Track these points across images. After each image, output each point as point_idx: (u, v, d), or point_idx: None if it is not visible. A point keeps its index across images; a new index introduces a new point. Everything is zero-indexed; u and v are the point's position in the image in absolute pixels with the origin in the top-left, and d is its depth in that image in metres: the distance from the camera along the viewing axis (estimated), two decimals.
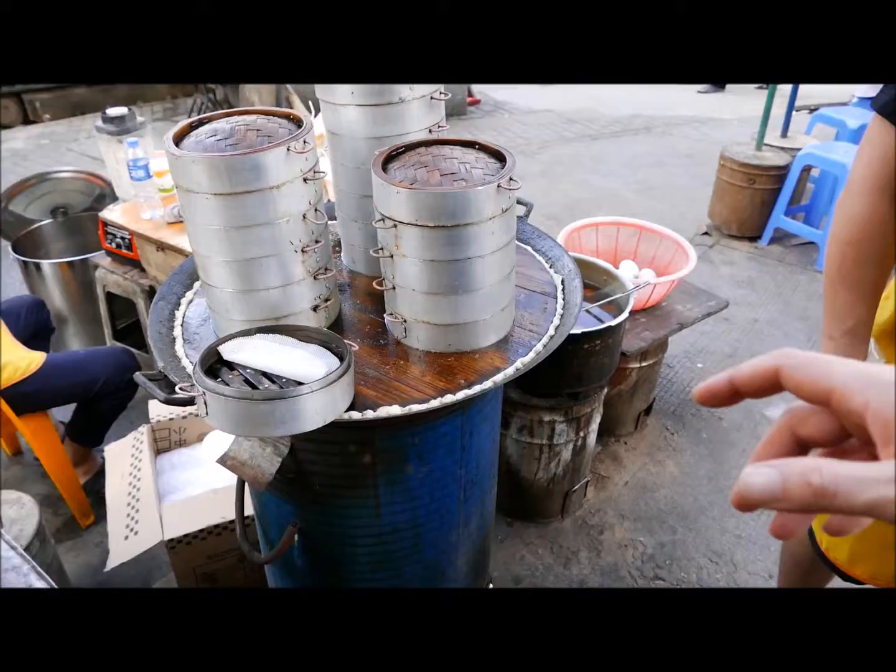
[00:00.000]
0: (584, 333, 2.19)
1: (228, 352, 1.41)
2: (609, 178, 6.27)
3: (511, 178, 1.38)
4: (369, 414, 1.29)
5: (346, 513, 1.54)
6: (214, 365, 1.40)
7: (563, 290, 1.69)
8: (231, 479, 2.23)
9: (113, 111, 3.62)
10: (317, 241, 1.53)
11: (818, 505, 0.31)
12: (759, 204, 4.91)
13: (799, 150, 4.66)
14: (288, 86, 5.87)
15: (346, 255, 1.85)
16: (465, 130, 7.00)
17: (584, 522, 2.70)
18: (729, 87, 8.99)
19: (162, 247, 2.98)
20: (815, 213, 5.14)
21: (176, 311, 1.72)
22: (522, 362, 1.46)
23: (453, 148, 1.49)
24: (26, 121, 7.28)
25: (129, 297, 3.30)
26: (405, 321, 1.52)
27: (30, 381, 2.73)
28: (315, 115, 2.64)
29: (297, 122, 1.50)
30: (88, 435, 3.05)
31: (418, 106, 1.61)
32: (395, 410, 1.29)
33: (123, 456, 2.57)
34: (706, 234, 5.38)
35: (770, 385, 0.39)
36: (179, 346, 1.60)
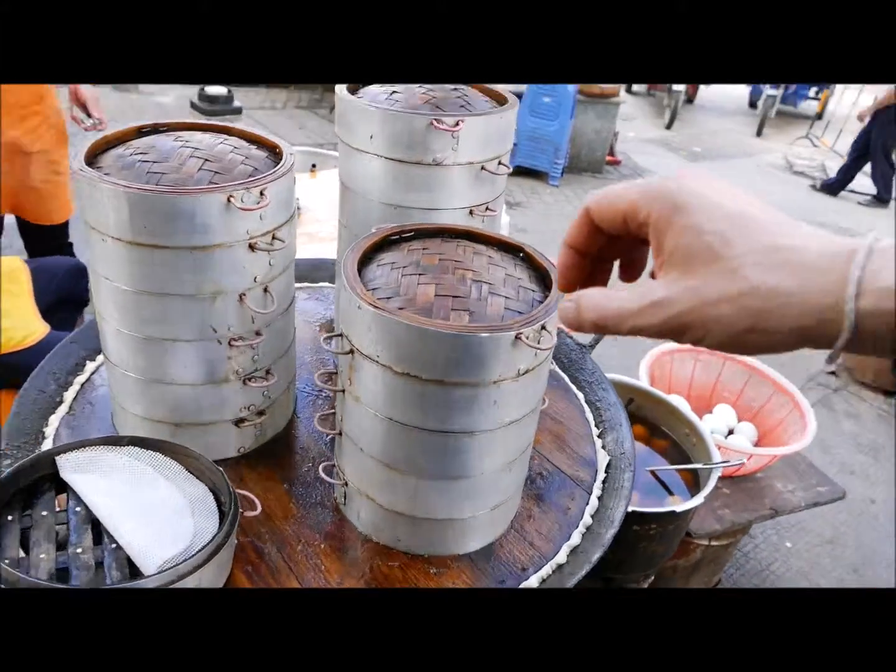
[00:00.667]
0: (635, 513, 1.60)
1: (70, 466, 0.94)
2: None
3: (545, 328, 0.84)
4: None
5: None
6: (41, 481, 0.93)
7: (605, 480, 1.12)
8: None
9: (211, 89, 3.34)
10: (257, 334, 1.05)
11: (601, 331, 0.43)
12: None
13: None
14: None
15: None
16: (595, 189, 6.43)
17: None
18: None
19: None
20: None
21: (89, 361, 1.28)
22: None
23: (486, 251, 0.97)
24: None
25: None
26: (346, 484, 1.01)
27: (22, 353, 2.42)
28: None
29: (276, 159, 1.03)
30: None
31: (460, 174, 1.11)
32: None
33: None
34: (832, 373, 4.57)
35: (591, 229, 0.46)
36: (56, 419, 1.15)
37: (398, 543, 0.99)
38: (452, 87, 1.14)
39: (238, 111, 3.30)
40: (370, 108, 1.07)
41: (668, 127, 9.09)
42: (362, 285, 0.87)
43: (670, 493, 1.89)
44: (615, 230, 0.45)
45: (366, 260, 0.95)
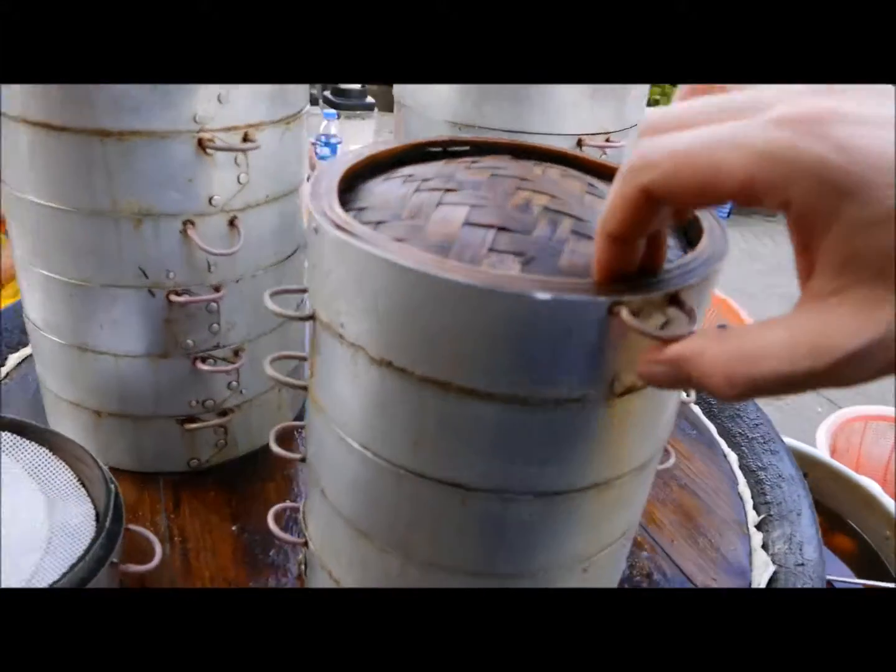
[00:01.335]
0: None
1: None
2: None
3: (677, 302, 0.40)
4: None
5: None
6: None
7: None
8: None
9: (345, 84, 3.15)
10: (215, 290, 0.68)
11: (748, 397, 0.28)
12: None
13: None
14: None
15: None
16: (769, 238, 5.67)
17: None
18: None
19: None
20: None
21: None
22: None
23: (584, 178, 0.54)
24: None
25: None
26: (306, 545, 0.60)
27: None
28: None
29: None
30: None
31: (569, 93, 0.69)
32: None
33: None
34: None
35: (652, 210, 0.29)
36: None
37: None
38: None
39: (370, 107, 3.06)
40: None
41: None
42: (337, 197, 0.47)
43: None
44: (700, 204, 0.35)
45: (374, 175, 0.55)
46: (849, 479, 1.44)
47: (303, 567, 0.64)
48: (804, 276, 0.27)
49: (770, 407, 2.92)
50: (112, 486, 0.63)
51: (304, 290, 0.55)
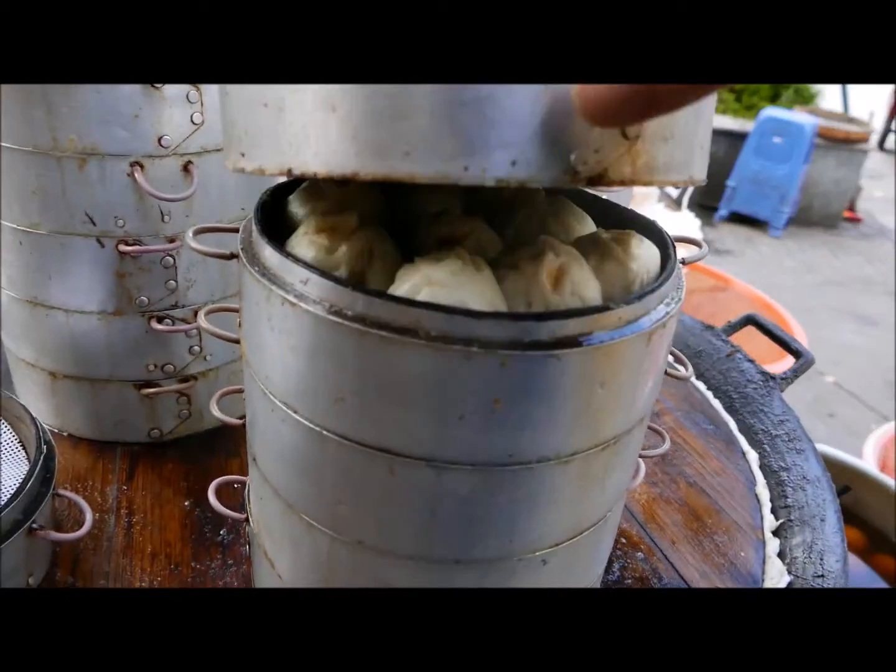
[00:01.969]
0: None
1: None
2: None
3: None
4: None
5: None
6: None
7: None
8: None
9: None
10: (170, 241, 0.63)
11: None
12: None
13: None
14: None
15: None
16: (828, 250, 5.40)
17: None
18: None
19: None
20: None
21: None
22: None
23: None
24: None
25: None
26: (248, 521, 0.54)
27: None
28: None
29: None
30: None
31: None
32: None
33: None
34: None
35: None
36: None
37: None
38: None
39: None
40: None
41: None
42: None
43: None
44: None
45: None
46: None
47: (247, 546, 0.58)
48: None
49: (817, 420, 2.76)
50: (44, 447, 0.58)
51: (234, 230, 0.49)
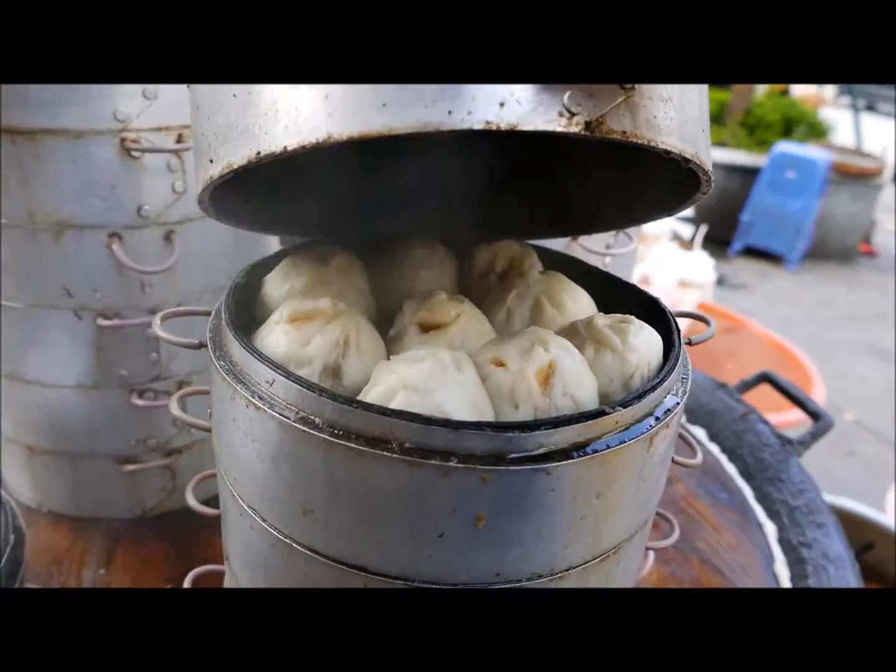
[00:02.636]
0: None
1: None
2: None
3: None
4: None
5: None
6: None
7: None
8: None
9: None
10: (152, 312, 0.60)
11: None
12: None
13: None
14: None
15: None
16: (844, 284, 5.33)
17: None
18: None
19: None
20: None
21: None
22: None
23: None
24: None
25: None
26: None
27: None
28: None
29: None
30: None
31: None
32: None
33: None
34: None
35: None
36: None
37: None
38: None
39: None
40: None
41: None
42: None
43: None
44: None
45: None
46: None
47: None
48: None
49: (837, 459, 2.67)
50: (12, 536, 0.54)
51: (206, 313, 0.46)
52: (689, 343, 0.44)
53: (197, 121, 0.38)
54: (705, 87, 0.38)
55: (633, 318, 0.41)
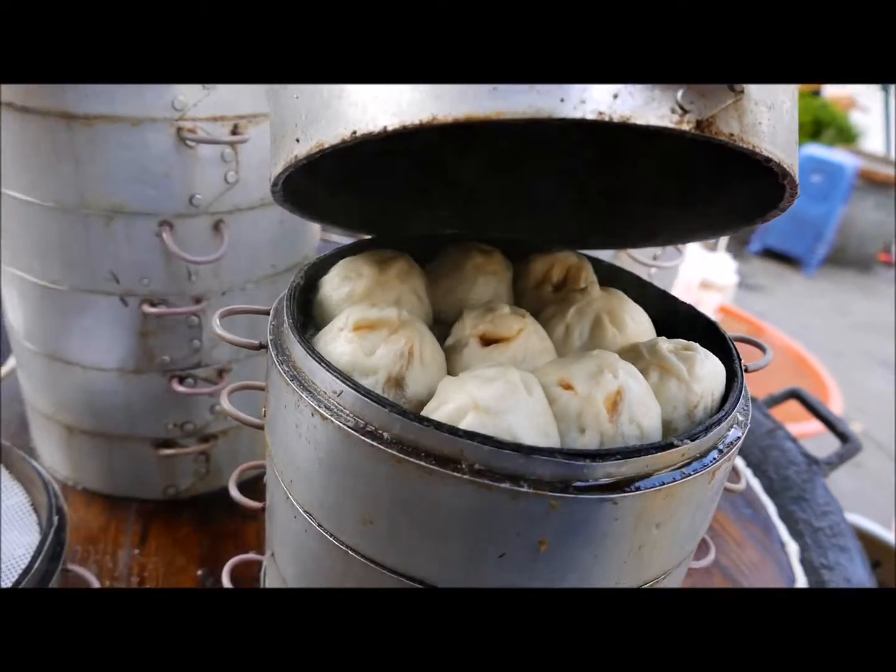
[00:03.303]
0: None
1: None
2: None
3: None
4: None
5: None
6: None
7: None
8: None
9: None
10: (196, 302, 0.60)
11: None
12: None
13: None
14: None
15: None
16: (861, 292, 5.28)
17: None
18: None
19: None
20: None
21: None
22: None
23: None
24: None
25: None
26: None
27: None
28: None
29: None
30: None
31: None
32: None
33: None
34: None
35: None
36: None
37: None
38: None
39: None
40: None
41: None
42: None
43: None
44: None
45: None
46: None
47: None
48: None
49: (843, 470, 2.66)
50: (55, 517, 0.55)
51: (265, 312, 0.46)
52: (747, 370, 0.44)
53: (280, 101, 0.37)
54: (796, 93, 0.38)
55: (697, 345, 0.41)
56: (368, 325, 0.40)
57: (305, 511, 0.39)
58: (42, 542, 0.52)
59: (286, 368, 0.38)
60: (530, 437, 0.34)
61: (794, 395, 0.89)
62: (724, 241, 2.52)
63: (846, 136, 5.03)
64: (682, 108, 0.31)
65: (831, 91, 5.64)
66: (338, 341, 0.40)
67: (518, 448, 0.32)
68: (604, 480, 0.32)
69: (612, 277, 0.52)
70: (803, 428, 1.30)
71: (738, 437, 0.38)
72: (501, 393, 0.34)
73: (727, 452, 0.36)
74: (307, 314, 0.48)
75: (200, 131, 0.53)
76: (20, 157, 0.54)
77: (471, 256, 0.49)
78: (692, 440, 0.34)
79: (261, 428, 0.46)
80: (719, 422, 0.36)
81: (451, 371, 0.42)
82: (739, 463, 0.89)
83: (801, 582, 0.71)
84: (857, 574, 0.69)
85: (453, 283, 0.49)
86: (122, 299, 0.59)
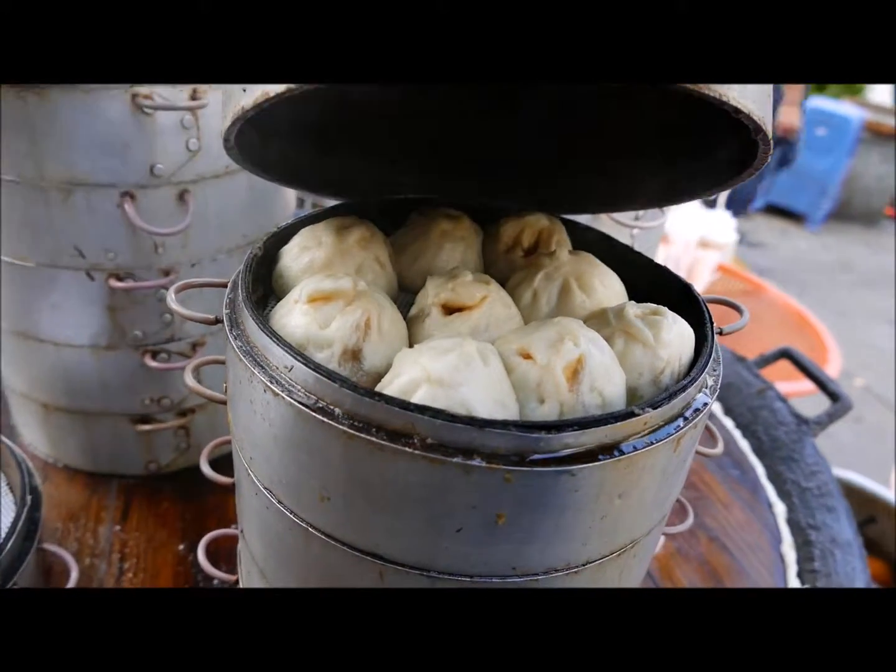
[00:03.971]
0: None
1: None
2: None
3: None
4: None
5: None
6: None
7: None
8: None
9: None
10: (165, 274, 0.59)
11: None
12: None
13: None
14: None
15: None
16: (866, 247, 5.22)
17: None
18: None
19: None
20: None
21: None
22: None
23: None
24: None
25: None
26: (238, 581, 0.50)
27: None
28: None
29: None
30: None
31: None
32: None
33: None
34: None
35: None
36: None
37: None
38: None
39: None
40: None
41: None
42: None
43: None
44: None
45: None
46: None
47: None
48: None
49: (843, 425, 2.66)
50: (29, 497, 0.54)
51: (222, 285, 0.45)
52: (720, 333, 0.43)
53: None
54: None
55: (665, 309, 0.39)
56: (323, 296, 0.38)
57: (265, 488, 0.39)
58: (15, 522, 0.52)
59: (240, 343, 0.37)
60: (486, 410, 0.33)
61: (785, 354, 0.88)
62: (723, 197, 2.48)
63: (852, 87, 4.92)
64: None
65: None
66: (293, 314, 0.38)
67: (471, 421, 0.31)
68: (563, 452, 0.31)
69: (588, 241, 0.51)
70: (797, 387, 1.29)
71: (706, 404, 0.36)
72: (455, 364, 0.33)
73: (693, 419, 0.35)
74: (269, 286, 0.47)
75: (157, 97, 0.51)
76: None
77: (437, 222, 0.47)
78: (654, 408, 0.33)
79: (223, 403, 0.45)
80: (684, 388, 0.34)
81: (415, 341, 0.41)
82: (728, 423, 0.88)
83: (787, 542, 0.71)
84: (843, 534, 0.69)
85: (419, 249, 0.47)
86: (89, 274, 0.57)
